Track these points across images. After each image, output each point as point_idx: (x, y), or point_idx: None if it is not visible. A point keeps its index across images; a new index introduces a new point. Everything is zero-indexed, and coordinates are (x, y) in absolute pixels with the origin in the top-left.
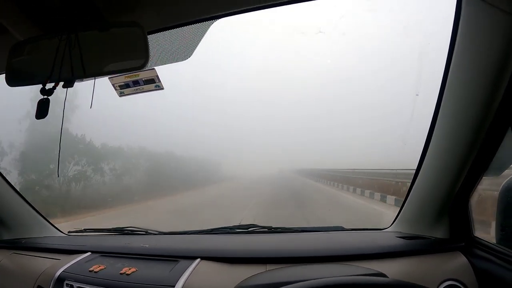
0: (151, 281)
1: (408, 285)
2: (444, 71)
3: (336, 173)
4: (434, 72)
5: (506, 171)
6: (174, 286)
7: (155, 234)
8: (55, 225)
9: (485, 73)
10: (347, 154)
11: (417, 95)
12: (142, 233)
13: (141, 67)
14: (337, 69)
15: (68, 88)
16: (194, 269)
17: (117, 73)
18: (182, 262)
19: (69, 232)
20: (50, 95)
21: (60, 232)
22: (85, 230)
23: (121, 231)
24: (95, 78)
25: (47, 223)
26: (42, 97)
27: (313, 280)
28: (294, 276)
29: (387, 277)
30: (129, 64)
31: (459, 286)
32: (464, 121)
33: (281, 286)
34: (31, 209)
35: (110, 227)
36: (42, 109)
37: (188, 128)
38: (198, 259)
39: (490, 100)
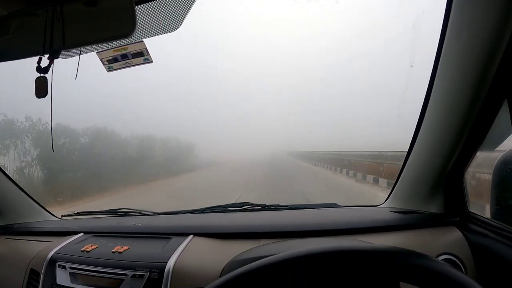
0: (144, 258)
1: (407, 252)
2: (439, 41)
3: (332, 155)
4: (428, 43)
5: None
6: (166, 262)
7: (149, 215)
8: (48, 209)
9: (480, 44)
10: (343, 135)
11: (411, 66)
12: (136, 214)
13: (127, 35)
14: (330, 41)
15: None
16: (187, 245)
17: (103, 42)
18: (175, 239)
19: (62, 216)
20: (46, 73)
21: (53, 217)
22: (78, 214)
23: (114, 212)
24: (81, 49)
25: (40, 207)
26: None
27: (310, 248)
28: (288, 249)
29: None
30: (116, 33)
31: (454, 260)
32: (458, 94)
33: None
34: (23, 194)
35: (104, 209)
36: (41, 88)
37: (174, 109)
38: (191, 236)
39: (485, 72)
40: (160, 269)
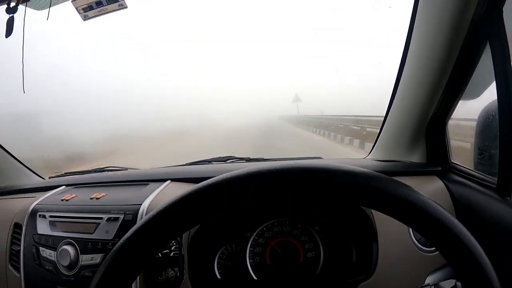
0: (120, 202)
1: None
2: None
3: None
4: None
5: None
6: (141, 204)
7: (136, 170)
8: (35, 171)
9: None
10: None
11: (390, 7)
12: (123, 170)
13: None
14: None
15: None
16: (163, 189)
17: None
18: (152, 185)
19: (49, 177)
20: (15, 12)
21: (40, 178)
22: (65, 174)
23: (101, 170)
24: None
25: (27, 169)
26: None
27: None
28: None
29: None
30: None
31: None
32: (438, 37)
33: None
34: (9, 156)
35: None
36: (9, 27)
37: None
38: (168, 181)
39: (465, 12)
40: (134, 211)
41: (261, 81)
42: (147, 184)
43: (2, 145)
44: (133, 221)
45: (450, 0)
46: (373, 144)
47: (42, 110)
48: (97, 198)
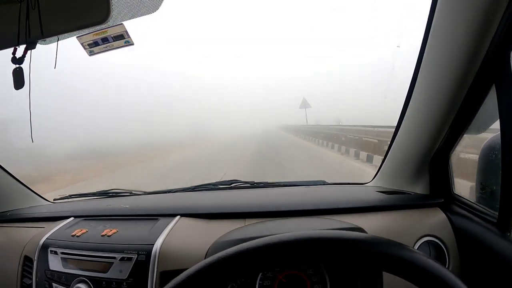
0: (132, 240)
1: (383, 241)
2: (427, 22)
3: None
4: (417, 24)
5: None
6: (153, 244)
7: (139, 195)
8: (39, 194)
9: (469, 27)
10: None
11: (398, 46)
12: (127, 194)
13: (103, 21)
14: (320, 18)
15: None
16: (173, 226)
17: (79, 30)
18: (162, 220)
19: (54, 199)
20: (22, 63)
21: (45, 201)
22: (70, 196)
23: (105, 194)
24: (58, 38)
25: (32, 192)
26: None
27: (281, 234)
28: (270, 230)
29: (365, 231)
30: (91, 20)
31: (437, 242)
32: (446, 76)
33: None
34: (13, 180)
35: (95, 191)
36: (18, 79)
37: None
38: (178, 217)
39: (474, 55)
40: (147, 251)
41: (265, 83)
42: (157, 219)
43: (6, 169)
44: (147, 261)
45: (460, 42)
46: (377, 169)
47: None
48: (108, 236)
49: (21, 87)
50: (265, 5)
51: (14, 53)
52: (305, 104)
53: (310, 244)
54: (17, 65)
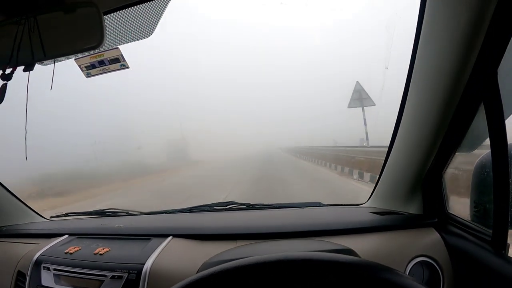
0: (123, 259)
1: (371, 265)
2: (414, 44)
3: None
4: (403, 45)
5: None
6: (144, 263)
7: (135, 215)
8: (36, 211)
9: (455, 46)
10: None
11: (386, 68)
12: (123, 214)
13: (98, 46)
14: (307, 42)
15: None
16: (165, 246)
17: (76, 54)
18: (154, 240)
19: (51, 217)
20: (9, 80)
21: (42, 218)
22: (66, 214)
23: (102, 213)
24: (55, 61)
25: (29, 209)
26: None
27: (270, 254)
28: (261, 251)
29: (355, 252)
30: (87, 44)
31: (431, 262)
32: (435, 96)
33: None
34: (11, 196)
35: (92, 210)
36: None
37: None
38: (170, 237)
39: (461, 74)
40: (137, 270)
41: (266, 106)
42: (149, 239)
43: (4, 184)
44: (137, 280)
45: (447, 61)
46: (372, 190)
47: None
48: (101, 254)
49: (0, 103)
50: (264, 30)
51: (4, 70)
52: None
53: (289, 266)
54: (4, 82)
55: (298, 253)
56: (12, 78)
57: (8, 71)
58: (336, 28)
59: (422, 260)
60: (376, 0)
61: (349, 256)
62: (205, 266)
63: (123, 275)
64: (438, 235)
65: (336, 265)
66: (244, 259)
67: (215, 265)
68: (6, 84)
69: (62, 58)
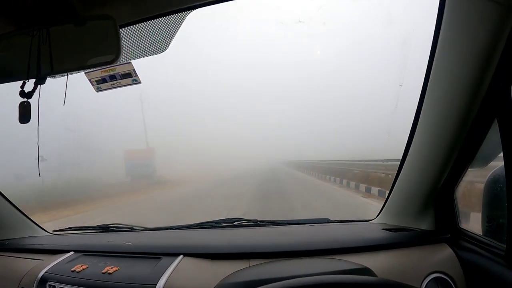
0: (133, 280)
1: (393, 284)
2: (429, 61)
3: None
4: (418, 62)
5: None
6: (155, 284)
7: (140, 231)
8: (40, 224)
9: (470, 63)
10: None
11: (400, 85)
12: (127, 230)
13: (113, 61)
14: (320, 60)
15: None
16: (176, 266)
17: (89, 68)
18: (165, 259)
19: (54, 231)
20: (30, 97)
21: (45, 232)
22: (69, 229)
23: (106, 228)
24: (67, 74)
25: (32, 223)
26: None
27: (294, 279)
28: (276, 272)
29: (372, 271)
30: (102, 59)
31: (445, 279)
32: (449, 112)
33: (263, 283)
34: (14, 209)
35: (96, 224)
36: (24, 113)
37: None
38: (181, 256)
39: (475, 90)
40: None
41: (268, 119)
42: (159, 258)
43: (7, 197)
44: None
45: (462, 77)
46: (381, 206)
47: None
48: (110, 273)
49: (27, 122)
50: (273, 39)
51: (22, 86)
52: None
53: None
54: (25, 99)
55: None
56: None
57: (28, 88)
58: (348, 42)
59: (437, 277)
60: (391, 17)
61: (375, 278)
62: (220, 287)
63: None
64: (451, 250)
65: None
66: (286, 281)
67: (232, 286)
68: (29, 103)
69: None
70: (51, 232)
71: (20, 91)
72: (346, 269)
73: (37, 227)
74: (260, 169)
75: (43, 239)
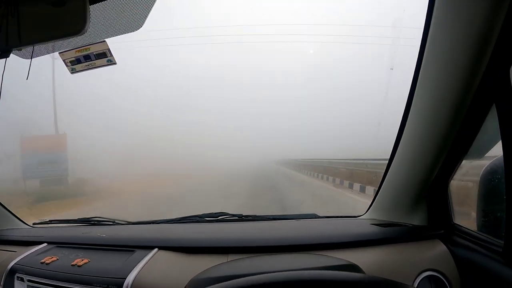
0: (103, 273)
1: (381, 281)
2: (421, 42)
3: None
4: (410, 45)
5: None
6: (125, 278)
7: (122, 224)
8: (19, 217)
9: (466, 45)
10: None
11: (391, 69)
12: (109, 223)
13: (79, 32)
14: (307, 45)
15: None
16: (149, 259)
17: (55, 39)
18: (138, 252)
19: (34, 223)
20: None
21: (24, 224)
22: (50, 222)
23: (87, 221)
24: (33, 47)
25: (11, 215)
26: None
27: (275, 273)
28: (256, 267)
29: (360, 268)
30: (67, 30)
31: (439, 277)
32: (443, 98)
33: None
34: None
35: (77, 217)
36: None
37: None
38: (156, 249)
39: (472, 73)
40: (118, 285)
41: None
42: (133, 251)
43: None
44: None
45: (457, 61)
46: (370, 202)
47: None
48: (79, 266)
49: None
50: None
51: None
52: None
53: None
54: None
55: (309, 272)
56: None
57: None
58: (339, 27)
59: (430, 275)
60: None
61: (360, 274)
62: (193, 282)
63: None
64: (445, 247)
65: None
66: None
67: (205, 282)
68: None
69: (42, 50)
70: (31, 225)
71: None
72: (331, 265)
73: (16, 219)
74: (249, 170)
75: (20, 232)
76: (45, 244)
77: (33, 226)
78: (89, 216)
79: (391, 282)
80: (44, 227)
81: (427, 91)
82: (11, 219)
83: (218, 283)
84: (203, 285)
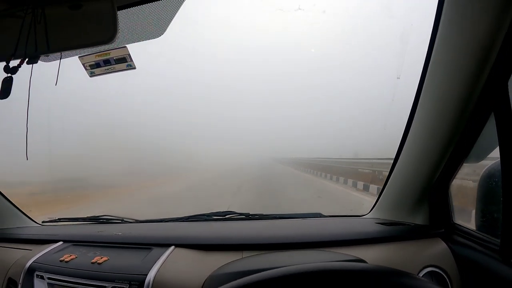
0: (123, 270)
1: (388, 271)
2: (427, 53)
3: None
4: (416, 55)
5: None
6: (146, 274)
7: (131, 222)
8: (28, 215)
9: (468, 57)
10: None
11: (398, 78)
12: (118, 222)
13: (108, 41)
14: (316, 48)
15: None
16: (167, 257)
17: (83, 48)
18: (156, 250)
19: (43, 222)
20: (15, 73)
21: (34, 222)
22: (59, 220)
23: (96, 220)
24: (61, 54)
25: (20, 213)
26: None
27: (290, 267)
28: (270, 262)
29: (367, 263)
30: (97, 39)
31: (439, 273)
32: (446, 106)
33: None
34: (3, 199)
35: (85, 216)
36: (5, 88)
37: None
38: (172, 247)
39: (473, 84)
40: (140, 281)
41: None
42: (150, 249)
43: None
44: None
45: (460, 71)
46: (375, 201)
47: None
48: (99, 263)
49: (5, 98)
50: (268, 35)
51: (8, 61)
52: None
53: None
54: (8, 75)
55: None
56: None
57: (13, 64)
58: (344, 34)
59: (431, 270)
60: (390, 9)
61: (372, 265)
62: (213, 277)
63: (125, 286)
64: (445, 245)
65: (360, 273)
66: (280, 268)
67: (223, 277)
68: (11, 78)
69: (69, 52)
70: (40, 223)
71: (5, 66)
72: (339, 260)
73: (25, 217)
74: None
75: (31, 230)
76: (61, 243)
77: (43, 224)
78: (97, 215)
79: (399, 272)
80: (54, 225)
81: (431, 100)
82: (21, 217)
83: (236, 278)
84: (222, 280)
